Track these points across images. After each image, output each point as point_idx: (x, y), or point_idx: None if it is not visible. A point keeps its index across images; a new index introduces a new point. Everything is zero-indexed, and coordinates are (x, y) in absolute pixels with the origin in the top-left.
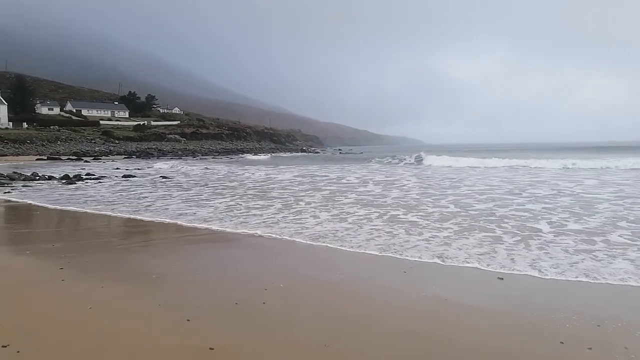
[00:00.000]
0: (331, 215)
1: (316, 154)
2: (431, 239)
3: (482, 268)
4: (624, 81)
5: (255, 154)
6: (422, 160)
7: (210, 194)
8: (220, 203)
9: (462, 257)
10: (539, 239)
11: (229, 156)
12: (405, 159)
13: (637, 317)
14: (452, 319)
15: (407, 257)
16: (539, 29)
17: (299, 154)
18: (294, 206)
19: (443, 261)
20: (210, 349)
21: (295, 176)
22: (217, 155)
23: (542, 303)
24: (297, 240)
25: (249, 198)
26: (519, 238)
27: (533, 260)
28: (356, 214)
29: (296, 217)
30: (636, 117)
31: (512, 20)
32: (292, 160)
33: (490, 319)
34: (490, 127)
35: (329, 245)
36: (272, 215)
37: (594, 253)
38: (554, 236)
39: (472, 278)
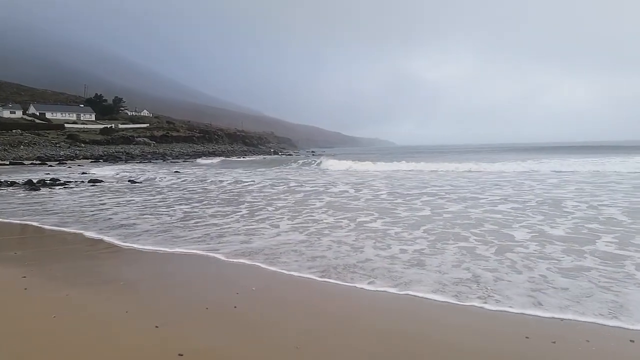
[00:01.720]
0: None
1: (289, 156)
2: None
3: (458, 302)
4: (593, 82)
5: (220, 158)
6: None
7: (177, 198)
8: (175, 210)
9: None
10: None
11: (194, 160)
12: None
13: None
14: (424, 317)
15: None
16: (513, 31)
17: (271, 156)
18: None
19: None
20: (180, 355)
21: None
22: (189, 158)
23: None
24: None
25: (211, 206)
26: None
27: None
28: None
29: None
30: (606, 118)
31: (487, 22)
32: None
33: (455, 316)
34: (464, 128)
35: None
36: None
37: (591, 273)
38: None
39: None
